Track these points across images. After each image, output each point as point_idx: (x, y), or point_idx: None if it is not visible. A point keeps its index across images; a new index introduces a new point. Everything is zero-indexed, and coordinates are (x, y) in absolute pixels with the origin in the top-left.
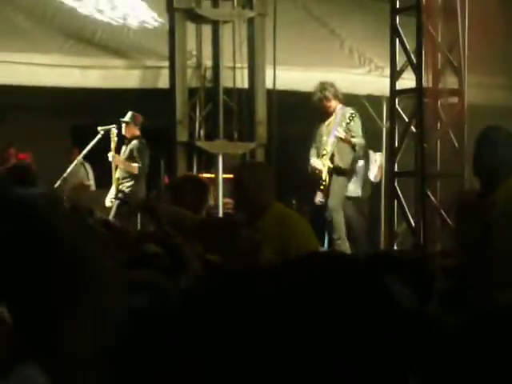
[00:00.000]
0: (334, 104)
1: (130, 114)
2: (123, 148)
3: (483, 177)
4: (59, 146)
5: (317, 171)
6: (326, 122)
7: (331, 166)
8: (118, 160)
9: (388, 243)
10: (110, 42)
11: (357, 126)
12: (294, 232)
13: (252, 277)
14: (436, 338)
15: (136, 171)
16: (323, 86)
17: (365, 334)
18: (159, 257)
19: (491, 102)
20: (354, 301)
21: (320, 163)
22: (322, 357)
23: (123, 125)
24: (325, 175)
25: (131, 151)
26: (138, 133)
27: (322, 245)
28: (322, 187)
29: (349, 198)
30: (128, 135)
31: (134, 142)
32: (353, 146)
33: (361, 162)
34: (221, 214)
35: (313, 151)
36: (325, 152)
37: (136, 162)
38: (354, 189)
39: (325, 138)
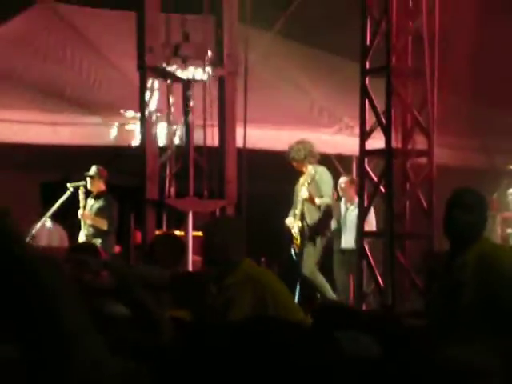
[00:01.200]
0: (304, 165)
1: (94, 167)
2: (89, 203)
3: (454, 237)
4: (28, 202)
5: (290, 229)
6: (300, 181)
7: (300, 225)
8: (87, 216)
9: (357, 303)
10: (81, 98)
11: (325, 185)
12: (269, 287)
13: (221, 334)
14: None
15: (105, 227)
16: (295, 147)
17: None
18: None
19: (460, 162)
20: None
21: (291, 221)
22: None
23: (88, 179)
24: (296, 234)
25: (99, 207)
26: (103, 187)
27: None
28: (295, 245)
29: (345, 251)
30: (94, 190)
31: (102, 197)
32: (318, 207)
33: (354, 214)
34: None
35: (292, 210)
36: (296, 211)
37: (104, 218)
38: (350, 240)
39: (297, 198)
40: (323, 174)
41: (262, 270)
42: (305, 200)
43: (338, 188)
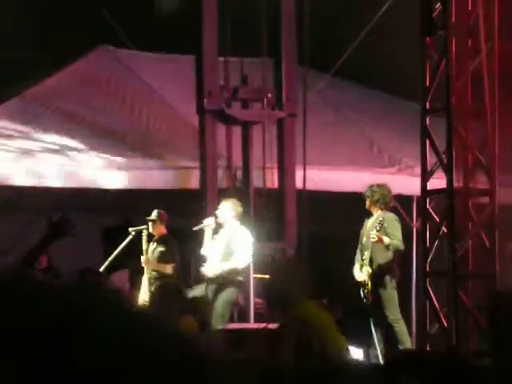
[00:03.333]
0: (374, 207)
1: (155, 212)
2: (151, 247)
3: None
4: (90, 247)
5: (360, 282)
6: (367, 225)
7: (370, 270)
8: (151, 263)
9: (421, 344)
10: (141, 141)
11: (395, 230)
12: (318, 331)
13: None
14: None
15: (170, 271)
16: (372, 188)
17: None
18: None
19: None
20: None
21: (361, 275)
22: None
23: (150, 223)
24: (367, 281)
25: (162, 251)
26: (165, 231)
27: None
28: (366, 291)
29: None
30: (156, 234)
31: (164, 240)
32: (386, 246)
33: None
34: (252, 314)
35: (357, 254)
36: (364, 257)
37: (167, 263)
38: None
39: (365, 239)
40: (392, 219)
41: (315, 310)
42: (374, 243)
43: None
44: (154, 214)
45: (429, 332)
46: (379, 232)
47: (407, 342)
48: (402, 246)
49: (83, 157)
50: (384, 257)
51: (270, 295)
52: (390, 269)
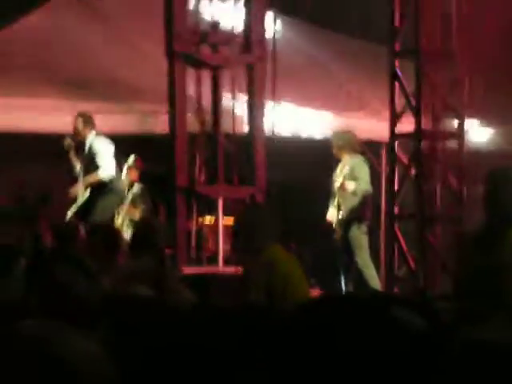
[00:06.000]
0: (342, 153)
1: (132, 157)
2: (124, 192)
3: (496, 211)
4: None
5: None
6: (337, 171)
7: (339, 216)
8: (127, 208)
9: (389, 287)
10: (109, 86)
11: (362, 172)
12: (281, 277)
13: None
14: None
15: (140, 216)
16: (334, 135)
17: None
18: None
19: (489, 144)
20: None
21: (331, 215)
22: None
23: (125, 168)
24: (335, 226)
25: (134, 197)
26: (137, 177)
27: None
28: (335, 235)
29: None
30: (130, 179)
31: (136, 186)
32: (354, 192)
33: None
34: (221, 258)
35: (331, 201)
36: (335, 203)
37: (138, 208)
38: None
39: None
40: (359, 163)
41: (282, 257)
42: (339, 189)
43: None
44: (131, 160)
45: (397, 275)
46: (346, 178)
47: (377, 287)
48: (369, 188)
49: (49, 102)
50: (351, 202)
51: (238, 239)
52: (357, 214)
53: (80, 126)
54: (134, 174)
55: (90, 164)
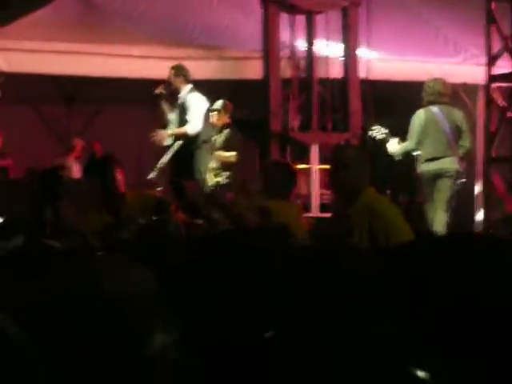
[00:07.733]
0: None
1: (220, 102)
2: (214, 137)
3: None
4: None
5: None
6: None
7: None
8: (217, 154)
9: (485, 229)
10: (203, 33)
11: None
12: (385, 220)
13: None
14: None
15: (234, 160)
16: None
17: None
18: None
19: None
20: None
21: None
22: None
23: (214, 113)
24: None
25: (225, 140)
26: (228, 121)
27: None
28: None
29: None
30: (219, 124)
31: (227, 130)
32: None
33: None
34: (316, 205)
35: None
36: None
37: (230, 151)
38: None
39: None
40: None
41: (381, 199)
42: None
43: None
44: (219, 104)
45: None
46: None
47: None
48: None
49: (143, 48)
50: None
51: (335, 184)
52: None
53: (173, 77)
54: (224, 118)
55: (181, 115)
